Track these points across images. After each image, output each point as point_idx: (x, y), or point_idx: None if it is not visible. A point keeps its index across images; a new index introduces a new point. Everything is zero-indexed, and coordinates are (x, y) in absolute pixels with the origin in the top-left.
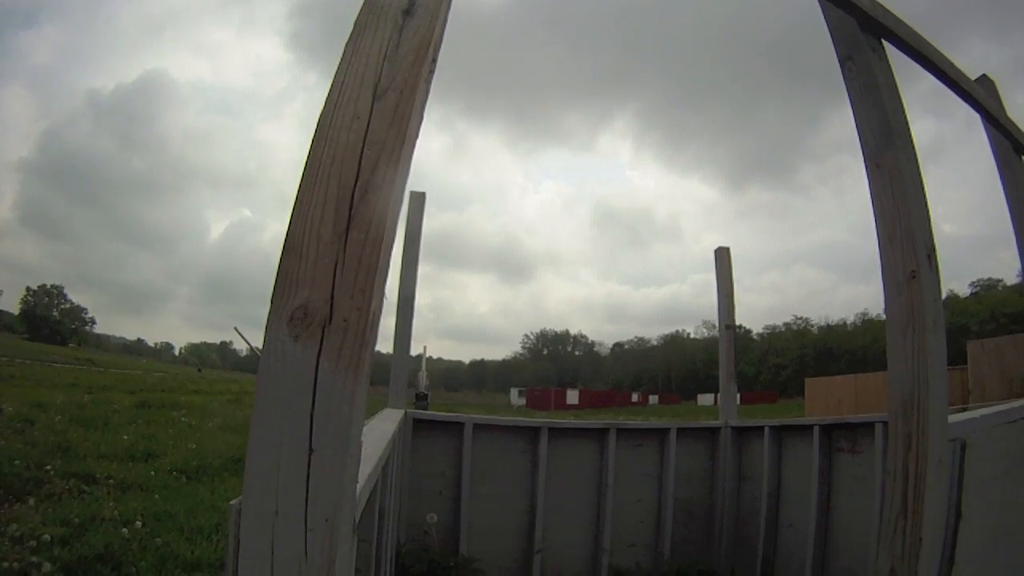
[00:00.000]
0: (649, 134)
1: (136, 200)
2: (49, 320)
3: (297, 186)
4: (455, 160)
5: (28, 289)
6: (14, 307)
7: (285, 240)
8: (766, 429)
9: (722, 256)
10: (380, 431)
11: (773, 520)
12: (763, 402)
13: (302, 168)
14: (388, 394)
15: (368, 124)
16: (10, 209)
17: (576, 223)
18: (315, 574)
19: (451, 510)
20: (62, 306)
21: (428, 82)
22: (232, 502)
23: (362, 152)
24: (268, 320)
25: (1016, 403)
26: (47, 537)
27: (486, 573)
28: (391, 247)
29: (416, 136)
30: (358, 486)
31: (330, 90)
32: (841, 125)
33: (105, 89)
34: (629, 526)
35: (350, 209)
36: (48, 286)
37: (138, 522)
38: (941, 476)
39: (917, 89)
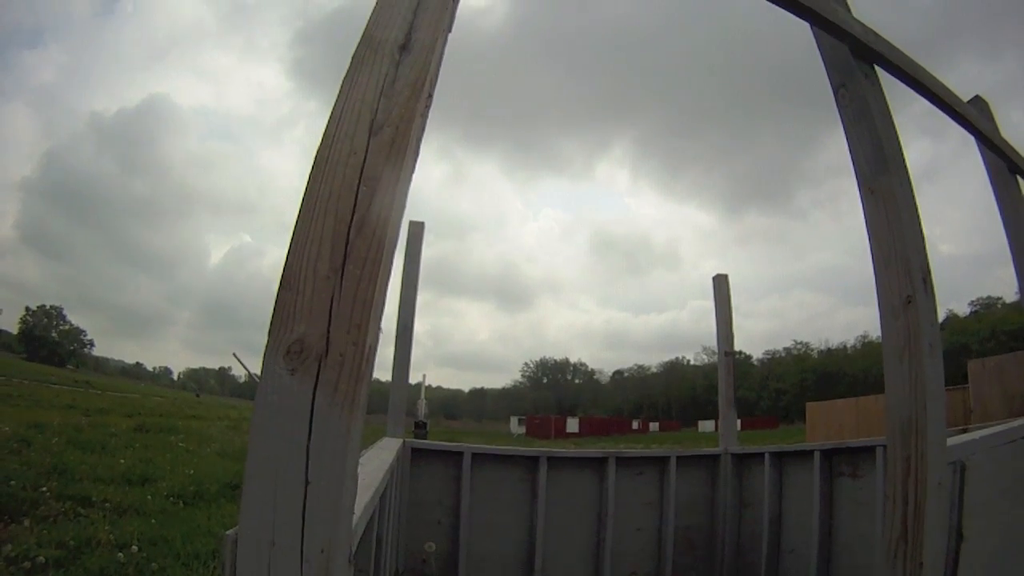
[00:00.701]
0: (646, 161)
1: (137, 223)
2: (48, 341)
3: (294, 221)
4: (455, 188)
5: (27, 309)
6: (13, 326)
7: (282, 274)
8: (766, 455)
9: (720, 283)
10: (378, 460)
11: (775, 546)
12: (764, 427)
13: (299, 203)
14: (386, 422)
15: (364, 159)
16: (12, 228)
17: (575, 250)
18: None
19: (450, 539)
20: (61, 327)
21: (424, 116)
22: (228, 532)
23: (358, 187)
24: (265, 353)
25: (1016, 422)
26: (42, 559)
27: None
28: (387, 280)
29: (412, 170)
30: (354, 516)
31: (327, 125)
32: (836, 149)
33: (108, 112)
34: (630, 555)
35: (346, 244)
36: (47, 307)
37: (134, 546)
38: (941, 499)
39: (911, 111)
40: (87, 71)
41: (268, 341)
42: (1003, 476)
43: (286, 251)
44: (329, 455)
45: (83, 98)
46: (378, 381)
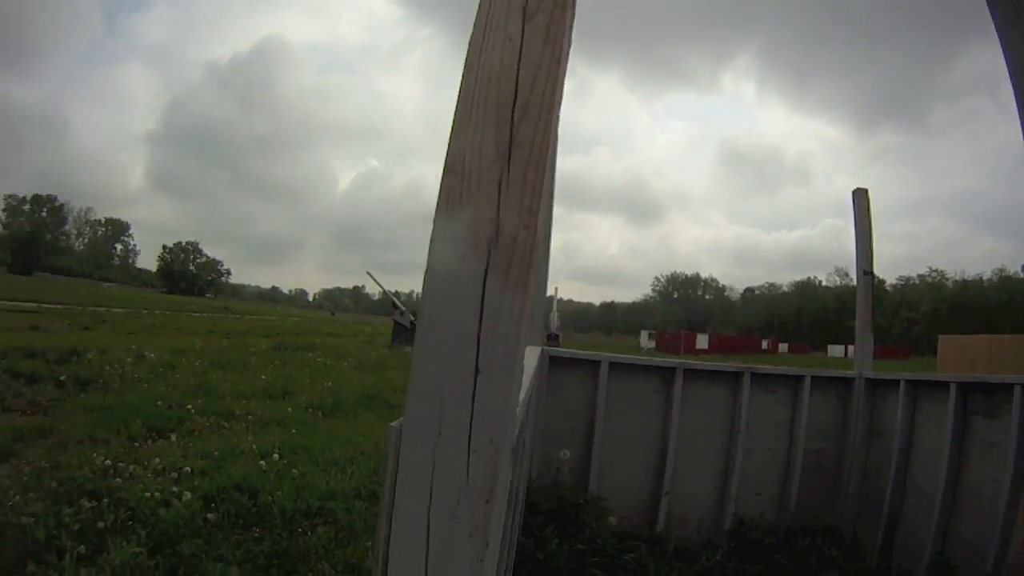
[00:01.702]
0: (773, 73)
1: (264, 159)
2: (186, 274)
3: (454, 107)
4: (578, 103)
5: (164, 247)
6: (152, 265)
7: (446, 160)
8: (901, 383)
9: (860, 198)
10: (526, 366)
11: (901, 480)
12: (894, 357)
13: (458, 88)
14: None
15: (521, 44)
16: (143, 177)
17: (703, 164)
18: (476, 496)
19: (583, 448)
20: (198, 260)
21: (574, 4)
22: (393, 423)
23: (518, 72)
24: (432, 241)
25: None
26: (188, 469)
27: (613, 512)
28: (552, 167)
29: (567, 57)
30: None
31: (477, 14)
32: (976, 63)
33: (222, 59)
34: (757, 475)
35: (511, 128)
36: (183, 243)
37: (275, 454)
38: None
39: None
40: (197, 24)
41: (434, 228)
42: None
43: (448, 137)
44: (501, 342)
45: (197, 50)
46: None
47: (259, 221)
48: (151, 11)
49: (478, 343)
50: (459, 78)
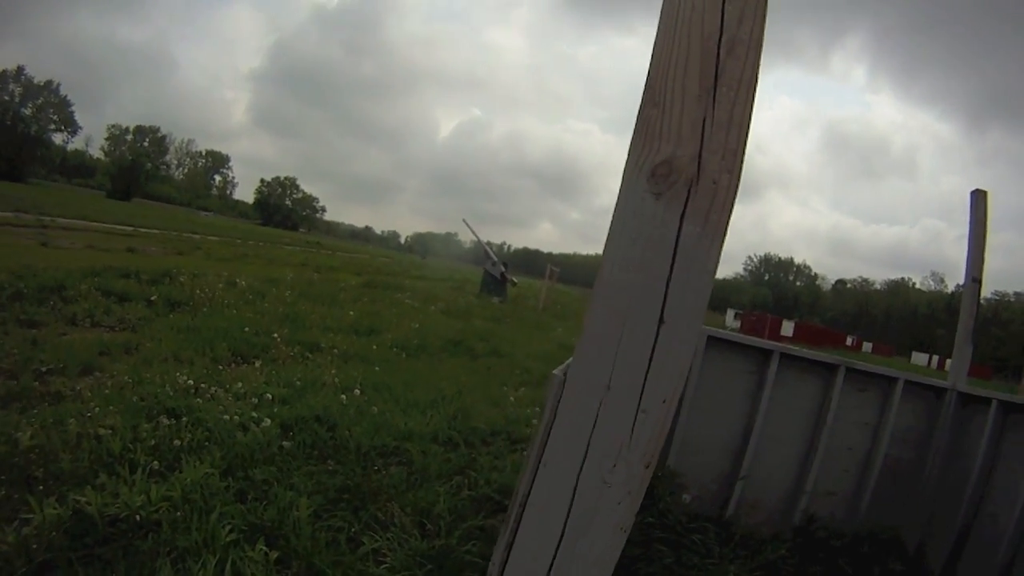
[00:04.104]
0: (886, 57)
1: (366, 101)
2: (281, 208)
3: (654, 37)
4: None
5: (262, 181)
6: (249, 198)
7: (645, 90)
8: (993, 402)
9: (979, 200)
10: None
11: (975, 505)
12: (976, 376)
13: (657, 20)
14: None
15: None
16: (245, 112)
17: (807, 145)
18: (636, 460)
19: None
20: (294, 195)
21: None
22: (555, 371)
23: (724, 5)
24: (625, 174)
25: None
26: (269, 395)
27: (688, 489)
28: (752, 105)
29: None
30: None
31: None
32: None
33: (330, 2)
34: (834, 473)
35: (716, 64)
36: (282, 178)
37: (356, 390)
38: None
39: None
40: None
41: (628, 161)
42: None
43: (648, 67)
44: (692, 292)
45: None
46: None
47: (358, 161)
48: None
49: (666, 290)
50: (569, 35)
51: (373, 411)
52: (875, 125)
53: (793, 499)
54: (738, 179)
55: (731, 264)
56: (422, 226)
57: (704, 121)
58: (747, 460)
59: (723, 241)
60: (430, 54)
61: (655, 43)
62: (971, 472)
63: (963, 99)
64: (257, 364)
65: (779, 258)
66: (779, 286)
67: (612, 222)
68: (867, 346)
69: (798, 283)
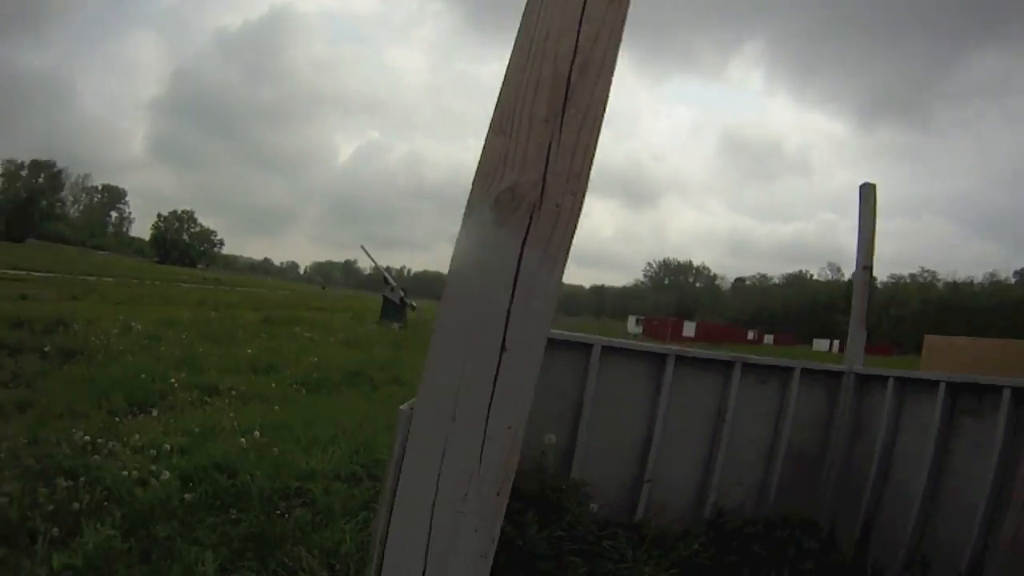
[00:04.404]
0: (781, 63)
1: (265, 128)
2: (179, 244)
3: (507, 64)
4: None
5: (159, 216)
6: (146, 233)
7: (493, 118)
8: (890, 380)
9: (868, 193)
10: None
11: (882, 477)
12: (878, 353)
13: (512, 46)
14: None
15: (585, 0)
16: (143, 144)
17: (704, 150)
18: (487, 488)
19: (569, 432)
20: (192, 230)
21: None
22: (402, 407)
23: (580, 28)
24: (469, 203)
25: None
26: (168, 446)
27: (595, 499)
28: (600, 129)
29: (625, 19)
30: None
31: None
32: (986, 65)
33: (233, 26)
34: (739, 465)
35: (567, 86)
36: (179, 211)
37: (256, 432)
38: None
39: None
40: None
41: (473, 191)
42: None
43: (498, 94)
44: (534, 319)
45: (208, 16)
46: None
47: (256, 191)
48: None
49: (508, 318)
50: (471, 54)
51: (274, 452)
52: (771, 127)
53: (702, 495)
54: (581, 202)
55: (631, 272)
56: (322, 255)
57: (550, 145)
58: (651, 463)
59: (565, 263)
60: (332, 77)
61: (508, 68)
62: (875, 446)
63: (854, 99)
64: (155, 413)
65: (678, 262)
66: (680, 289)
67: (455, 251)
68: (769, 338)
69: (698, 285)
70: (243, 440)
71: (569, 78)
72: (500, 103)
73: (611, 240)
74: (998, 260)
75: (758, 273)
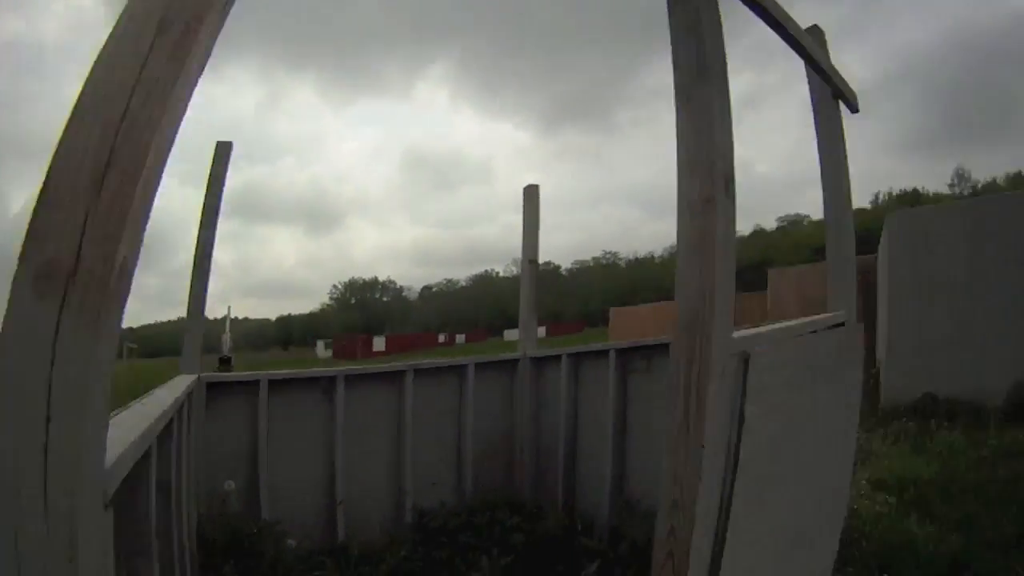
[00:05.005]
0: (467, 81)
1: None
2: None
3: (62, 130)
4: (272, 112)
5: None
6: None
7: (41, 189)
8: (563, 357)
9: (531, 193)
10: (156, 399)
11: (571, 445)
12: (571, 332)
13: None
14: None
15: (146, 59)
16: None
17: (386, 169)
18: (58, 554)
19: (251, 474)
20: None
21: (223, 15)
22: None
23: (134, 89)
24: (14, 280)
25: (803, 320)
26: None
27: (290, 534)
28: (154, 190)
29: (199, 72)
30: (109, 456)
31: (115, 26)
32: (662, 71)
33: None
34: (430, 466)
35: (111, 151)
36: None
37: None
38: (723, 387)
39: (740, 44)
40: None
41: (18, 268)
42: (785, 367)
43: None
44: (73, 386)
45: None
46: (180, 319)
47: None
48: None
49: (49, 388)
50: None
51: None
52: (455, 141)
53: (398, 502)
54: (114, 264)
55: (317, 297)
56: None
57: (88, 212)
58: (339, 485)
59: (104, 328)
60: (12, 116)
61: (59, 139)
62: (559, 418)
63: (538, 109)
64: None
65: (363, 280)
66: (367, 306)
67: (1, 330)
68: (460, 338)
69: (385, 299)
70: None
71: (114, 142)
72: (49, 172)
73: (294, 268)
74: (673, 234)
75: (444, 279)
